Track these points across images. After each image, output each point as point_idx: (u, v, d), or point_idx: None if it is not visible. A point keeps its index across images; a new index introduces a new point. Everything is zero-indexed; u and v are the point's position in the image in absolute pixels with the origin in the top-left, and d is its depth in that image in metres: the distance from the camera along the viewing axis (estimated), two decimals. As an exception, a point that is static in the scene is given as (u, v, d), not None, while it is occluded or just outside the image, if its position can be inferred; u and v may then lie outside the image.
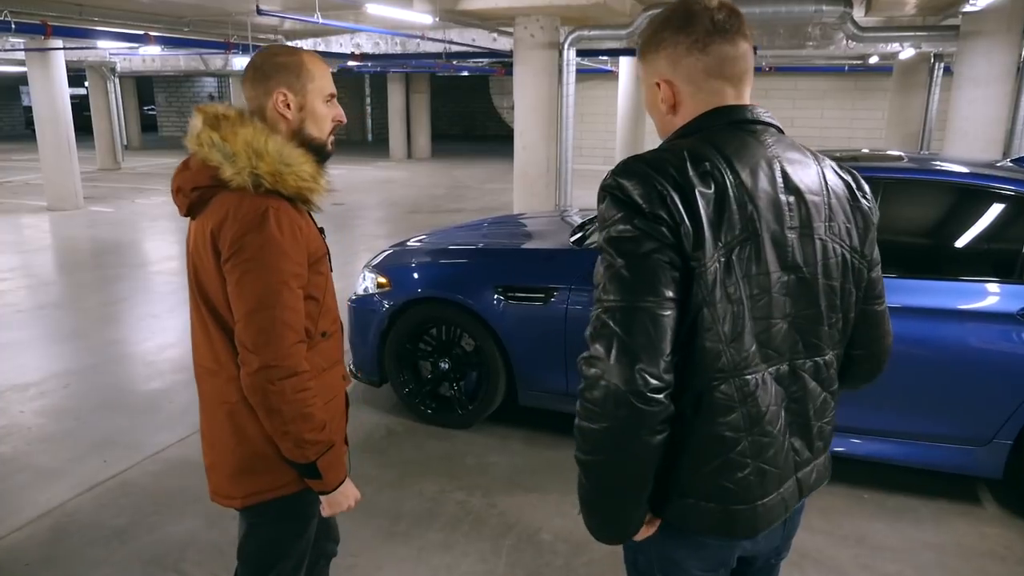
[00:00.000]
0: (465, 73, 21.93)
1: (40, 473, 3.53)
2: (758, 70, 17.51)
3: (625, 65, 14.29)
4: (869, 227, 1.36)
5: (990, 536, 3.07)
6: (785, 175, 1.25)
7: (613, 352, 1.14)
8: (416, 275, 4.09)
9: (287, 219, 1.55)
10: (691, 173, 1.17)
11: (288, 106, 1.64)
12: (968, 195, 3.31)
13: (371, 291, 4.10)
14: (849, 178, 1.37)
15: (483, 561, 2.87)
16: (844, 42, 10.18)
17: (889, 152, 4.02)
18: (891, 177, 3.30)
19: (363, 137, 28.73)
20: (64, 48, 11.23)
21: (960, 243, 3.33)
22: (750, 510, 1.27)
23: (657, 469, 1.24)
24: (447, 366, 3.99)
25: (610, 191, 1.20)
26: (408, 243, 4.54)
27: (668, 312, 1.14)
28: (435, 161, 20.62)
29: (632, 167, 1.19)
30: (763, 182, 1.22)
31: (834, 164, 1.37)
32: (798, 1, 7.47)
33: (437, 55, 13.47)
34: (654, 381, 1.13)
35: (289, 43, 13.63)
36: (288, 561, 1.79)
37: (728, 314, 1.18)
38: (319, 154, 1.69)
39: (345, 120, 1.75)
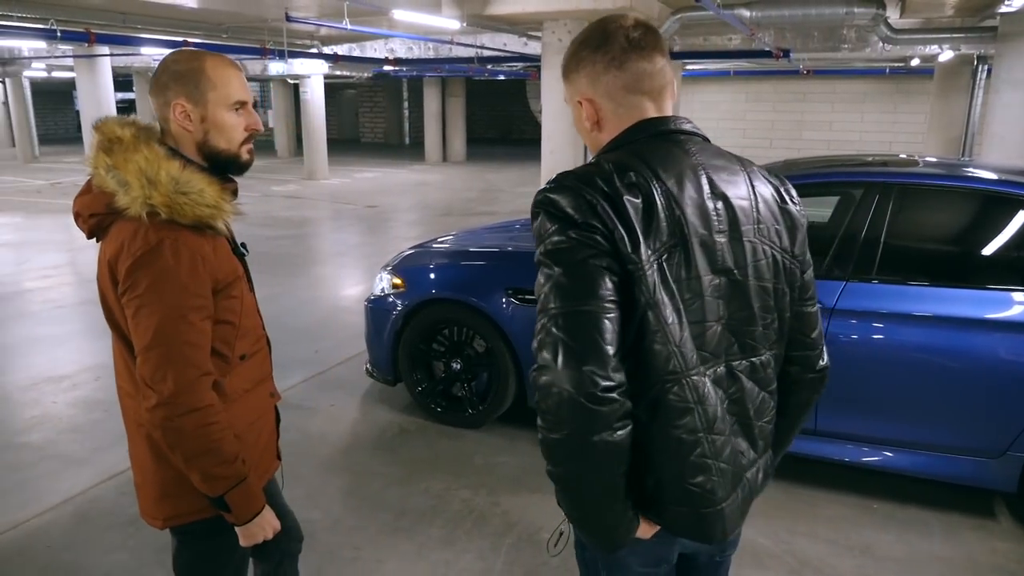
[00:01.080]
0: (501, 77, 22.02)
1: (66, 461, 3.68)
2: (796, 73, 17.34)
3: (659, 69, 14.20)
4: (797, 228, 1.39)
5: (1001, 551, 3.01)
6: (711, 181, 1.29)
7: (560, 358, 1.15)
8: (430, 276, 4.16)
9: (186, 250, 1.47)
10: (618, 184, 1.20)
11: (188, 118, 1.55)
12: (993, 202, 3.24)
13: (387, 291, 4.19)
14: (776, 182, 1.40)
15: (482, 559, 2.92)
16: (879, 44, 10.00)
17: (902, 156, 3.97)
18: (904, 183, 3.27)
19: (400, 141, 29.02)
20: (110, 55, 11.60)
21: (985, 251, 3.27)
22: (717, 513, 1.29)
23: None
24: (459, 367, 4.05)
25: (543, 207, 1.22)
26: (431, 245, 4.61)
27: (610, 314, 1.16)
28: (470, 164, 20.76)
29: (562, 182, 1.22)
30: (689, 189, 1.25)
31: (761, 169, 1.40)
32: (828, 3, 7.38)
33: (469, 59, 13.58)
34: (603, 381, 1.14)
35: (325, 48, 13.85)
36: (224, 571, 1.78)
37: (671, 317, 1.21)
38: (230, 167, 1.62)
39: (261, 128, 1.67)
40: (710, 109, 19.54)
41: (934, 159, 4.18)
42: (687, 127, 1.34)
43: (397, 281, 4.15)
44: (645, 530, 1.31)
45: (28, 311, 6.41)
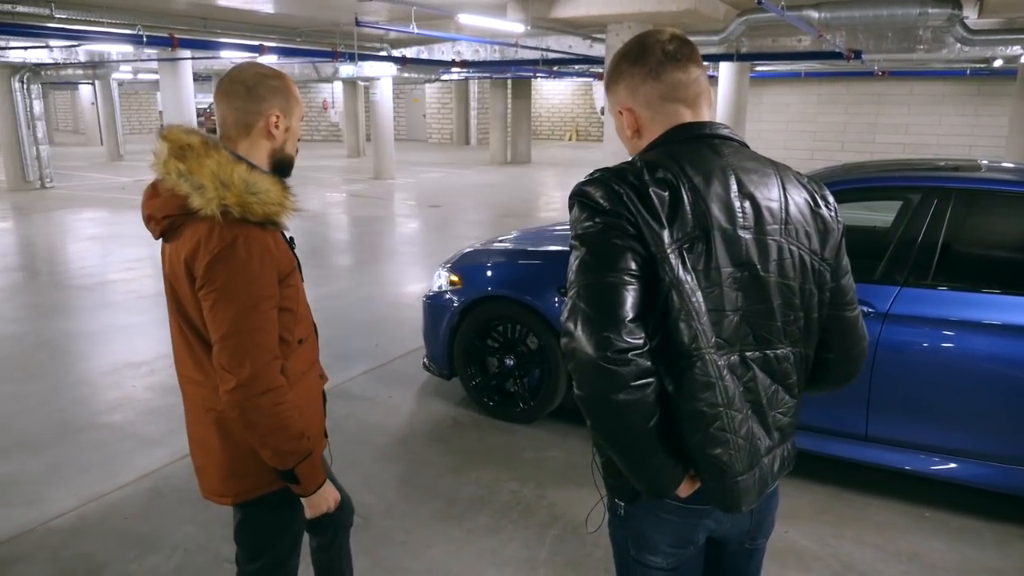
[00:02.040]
0: (567, 80, 22.11)
1: (143, 441, 3.94)
2: (870, 74, 16.84)
3: (724, 70, 14.04)
4: (829, 232, 1.45)
5: (1058, 564, 2.95)
6: (740, 182, 1.36)
7: (579, 324, 1.26)
8: (486, 275, 4.28)
9: (256, 245, 1.62)
10: (647, 177, 1.30)
11: (277, 126, 1.74)
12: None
13: (444, 288, 4.32)
14: (812, 187, 1.46)
15: (527, 547, 3.02)
16: (956, 45, 9.67)
17: (969, 161, 3.88)
18: (964, 188, 3.21)
19: (467, 141, 29.36)
20: (191, 58, 12.15)
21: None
22: (733, 485, 1.36)
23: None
24: (512, 363, 4.15)
25: (577, 198, 1.34)
26: (489, 244, 4.73)
27: (629, 285, 1.25)
28: (534, 166, 20.87)
29: (594, 176, 1.34)
30: (716, 186, 1.33)
31: (797, 174, 1.46)
32: (900, 4, 7.19)
33: (535, 62, 13.70)
34: (619, 343, 1.23)
35: (394, 51, 14.17)
36: (283, 542, 1.93)
37: (693, 298, 1.29)
38: (288, 168, 1.81)
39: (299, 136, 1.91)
40: (779, 111, 19.16)
41: (1007, 164, 4.07)
42: (723, 131, 1.42)
43: (454, 278, 4.28)
44: (685, 487, 1.39)
45: (112, 301, 6.81)
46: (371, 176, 17.27)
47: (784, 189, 1.41)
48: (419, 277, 7.83)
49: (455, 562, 2.93)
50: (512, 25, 8.41)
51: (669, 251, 1.27)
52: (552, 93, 30.57)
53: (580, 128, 30.57)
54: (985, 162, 3.74)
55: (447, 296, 4.27)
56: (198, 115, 16.07)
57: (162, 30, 9.71)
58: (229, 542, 2.96)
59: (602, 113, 11.45)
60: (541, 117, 30.54)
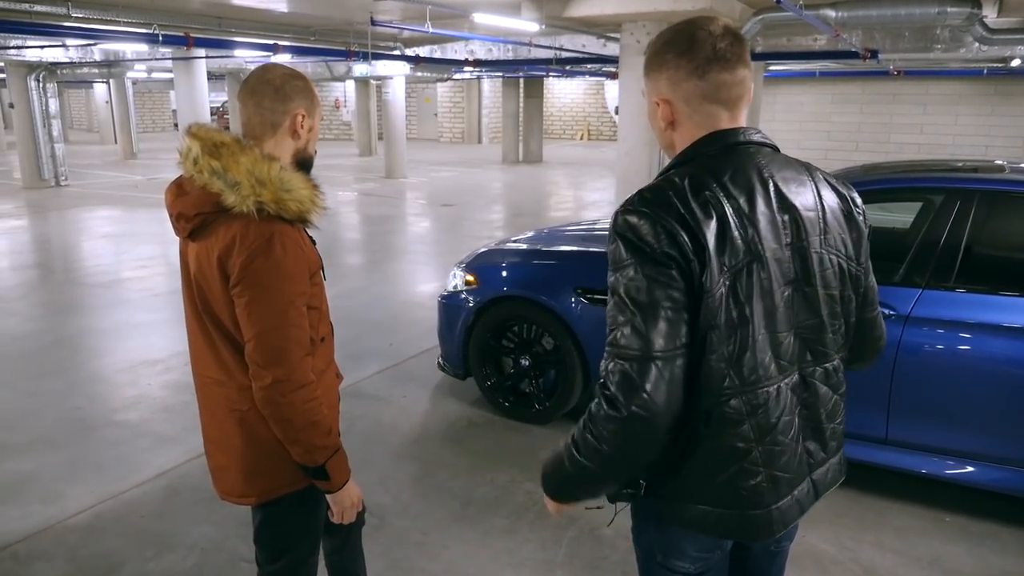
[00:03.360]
0: (579, 79, 22.06)
1: (159, 439, 3.95)
2: (885, 74, 16.71)
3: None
4: (862, 236, 1.45)
5: (1081, 571, 2.91)
6: (780, 194, 1.33)
7: (633, 405, 1.22)
8: (501, 274, 4.26)
9: (291, 243, 1.64)
10: (693, 204, 1.25)
11: (303, 126, 1.76)
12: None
13: (459, 288, 4.31)
14: (843, 190, 1.44)
15: (543, 549, 3.00)
16: (975, 45, 9.57)
17: (999, 163, 3.84)
18: (988, 189, 3.17)
19: (478, 140, 29.36)
20: (206, 57, 12.20)
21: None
22: (766, 514, 1.35)
23: (662, 477, 1.37)
24: (527, 363, 4.14)
25: (620, 233, 1.27)
26: (504, 243, 4.71)
27: (680, 359, 1.23)
28: (546, 165, 20.85)
29: (639, 206, 1.27)
30: (760, 204, 1.30)
31: (828, 177, 1.44)
32: (919, 3, 7.12)
33: (548, 61, 13.68)
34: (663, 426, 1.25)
35: (407, 50, 14.19)
36: (304, 541, 1.93)
37: (733, 336, 1.27)
38: (309, 166, 1.83)
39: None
40: (794, 111, 19.04)
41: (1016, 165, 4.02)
42: (756, 138, 1.38)
43: (470, 278, 4.27)
44: (553, 506, 1.49)
45: (126, 298, 6.85)
46: (383, 175, 17.30)
47: (819, 196, 1.39)
48: (432, 276, 7.83)
49: (471, 564, 2.92)
50: (526, 24, 8.39)
51: (715, 290, 1.23)
52: (564, 92, 30.53)
53: (592, 127, 30.52)
54: (1005, 163, 3.69)
55: (462, 296, 4.26)
56: (212, 114, 16.13)
57: (177, 29, 9.75)
58: (245, 541, 2.98)
59: (616, 113, 11.40)
60: (553, 116, 30.50)
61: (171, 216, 1.72)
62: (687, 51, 1.33)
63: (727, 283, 1.24)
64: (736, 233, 1.26)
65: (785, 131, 18.35)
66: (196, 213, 1.66)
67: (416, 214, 12.51)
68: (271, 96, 1.72)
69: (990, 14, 8.14)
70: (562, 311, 3.87)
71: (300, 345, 1.64)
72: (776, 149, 1.41)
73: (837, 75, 17.78)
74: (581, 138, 30.56)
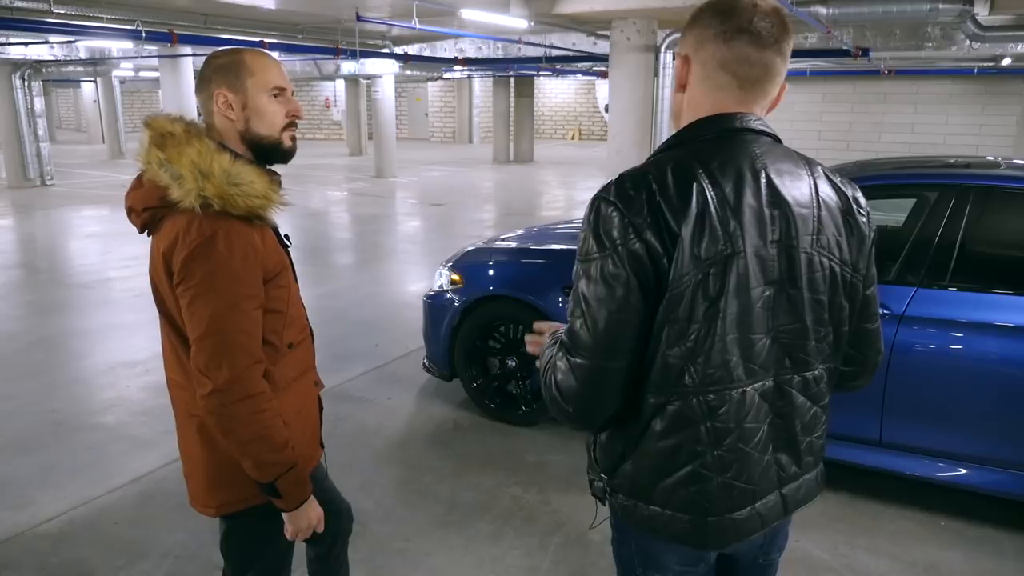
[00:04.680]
0: (570, 78, 22.00)
1: (136, 443, 3.85)
2: (876, 73, 16.69)
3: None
4: (863, 240, 1.33)
5: (1079, 575, 2.84)
6: (771, 187, 1.23)
7: (565, 396, 1.25)
8: (488, 273, 4.18)
9: (239, 241, 1.51)
10: (672, 192, 1.17)
11: (231, 107, 1.59)
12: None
13: (445, 288, 4.22)
14: (847, 190, 1.33)
15: (529, 556, 2.92)
16: (966, 43, 9.54)
17: (989, 159, 3.78)
18: (984, 185, 3.11)
19: (469, 140, 29.28)
20: (192, 55, 12.07)
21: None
22: (717, 522, 1.28)
23: (619, 472, 1.32)
24: (514, 364, 4.05)
25: (591, 222, 1.22)
26: (491, 242, 4.63)
27: (625, 369, 1.22)
28: (537, 164, 20.78)
29: (614, 197, 1.20)
30: (747, 196, 1.21)
31: (832, 174, 1.33)
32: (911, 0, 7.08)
33: (538, 59, 13.60)
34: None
35: (396, 48, 14.09)
36: (271, 555, 1.82)
37: (696, 332, 1.19)
38: (274, 154, 1.65)
39: (302, 115, 1.68)
40: (784, 110, 19.01)
41: (1013, 161, 3.97)
42: (756, 125, 1.28)
43: (456, 277, 4.18)
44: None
45: (110, 299, 6.73)
46: (373, 174, 17.19)
47: (817, 193, 1.28)
48: (420, 276, 7.73)
49: (455, 571, 2.83)
50: (515, 21, 8.31)
51: (683, 282, 1.17)
52: (555, 92, 30.47)
53: (583, 127, 30.46)
54: (999, 159, 3.63)
55: (448, 295, 4.17)
56: (199, 113, 16.00)
57: (162, 26, 9.63)
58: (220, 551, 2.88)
59: (606, 111, 11.35)
60: (543, 116, 30.43)
61: (125, 210, 1.63)
62: (724, 13, 1.24)
63: (698, 276, 1.17)
64: (716, 224, 1.17)
65: (776, 131, 18.36)
66: (144, 208, 1.57)
67: (406, 213, 12.41)
68: (198, 85, 1.63)
69: (982, 11, 8.10)
70: (550, 311, 3.78)
71: (246, 352, 1.50)
72: (777, 139, 1.30)
73: (828, 74, 17.76)
74: (572, 138, 30.50)
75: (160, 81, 12.52)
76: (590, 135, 30.14)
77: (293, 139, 1.68)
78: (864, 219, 1.33)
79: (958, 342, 3.02)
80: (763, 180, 1.23)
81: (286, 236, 1.76)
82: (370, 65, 15.79)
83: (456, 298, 4.11)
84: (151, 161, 1.54)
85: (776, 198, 1.23)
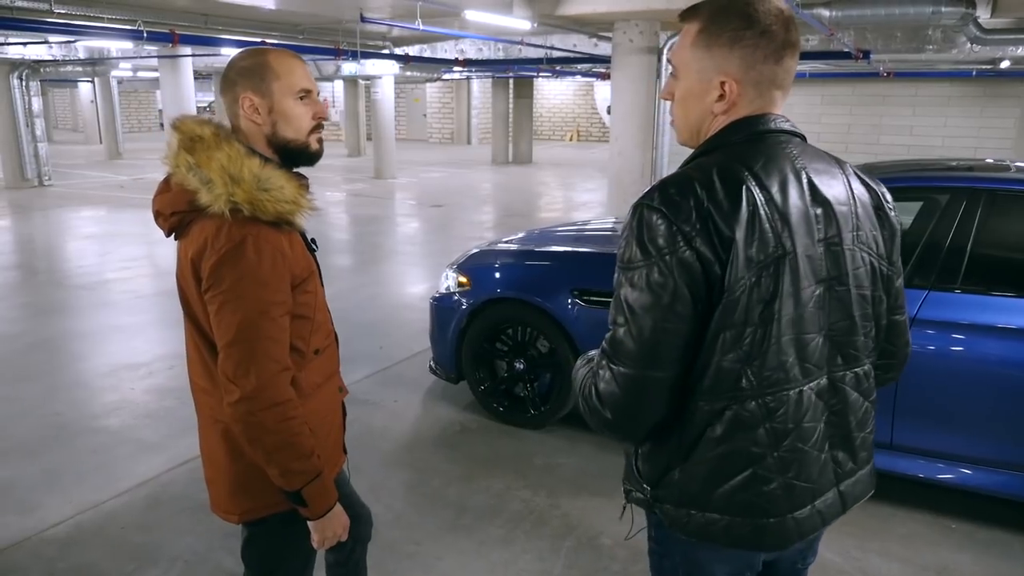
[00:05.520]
0: (569, 79, 21.99)
1: (141, 446, 3.82)
2: (875, 75, 16.72)
3: (731, 70, 13.90)
4: (895, 235, 1.36)
5: (1091, 578, 2.84)
6: (812, 186, 1.24)
7: (607, 404, 1.24)
8: (495, 276, 4.16)
9: (268, 247, 1.49)
10: (721, 196, 1.16)
11: (257, 111, 1.57)
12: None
13: (452, 290, 4.21)
14: (874, 185, 1.36)
15: (541, 560, 2.90)
16: (968, 46, 9.55)
17: (989, 161, 3.77)
18: (995, 188, 3.10)
19: (468, 141, 29.25)
20: (192, 55, 12.04)
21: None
22: (779, 523, 1.27)
23: (665, 482, 1.30)
24: (522, 366, 4.03)
25: (635, 230, 1.19)
26: (497, 244, 4.61)
27: (671, 378, 1.21)
28: (536, 166, 20.77)
29: (659, 204, 1.17)
30: (793, 196, 1.21)
31: (859, 171, 1.35)
32: (913, 2, 7.08)
33: (539, 60, 13.59)
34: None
35: (396, 49, 14.09)
36: (293, 563, 1.80)
37: (751, 335, 1.18)
38: (301, 157, 1.64)
39: (328, 117, 1.65)
40: (784, 111, 19.02)
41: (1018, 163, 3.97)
42: (786, 126, 1.28)
43: (463, 279, 4.16)
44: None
45: (109, 300, 6.70)
46: (372, 175, 17.16)
47: (852, 190, 1.30)
48: (422, 278, 7.72)
49: (467, 575, 2.81)
50: (518, 22, 8.29)
51: (736, 288, 1.15)
52: (553, 93, 30.46)
53: (581, 128, 30.46)
54: (1009, 162, 3.62)
55: (455, 297, 4.15)
56: (199, 113, 15.98)
57: (162, 26, 9.60)
58: (232, 554, 2.86)
59: (608, 113, 11.33)
60: (542, 117, 30.42)
61: (153, 213, 1.61)
62: (768, 32, 1.21)
63: (752, 279, 1.16)
64: (767, 226, 1.17)
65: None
66: (172, 212, 1.56)
67: (405, 215, 12.39)
68: (221, 88, 1.60)
69: (983, 14, 8.11)
70: (558, 313, 3.77)
71: (274, 359, 1.49)
72: (804, 139, 1.31)
73: (827, 76, 17.79)
74: (571, 139, 30.49)
75: (160, 81, 12.48)
76: (588, 136, 30.15)
77: (320, 141, 1.67)
78: (893, 214, 1.37)
79: (970, 345, 3.01)
80: (804, 180, 1.24)
81: (313, 240, 1.74)
82: (370, 66, 15.77)
83: (464, 300, 4.10)
84: (180, 165, 1.52)
85: (818, 197, 1.24)
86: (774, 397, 1.21)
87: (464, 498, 3.34)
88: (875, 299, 1.33)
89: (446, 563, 2.89)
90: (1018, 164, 3.57)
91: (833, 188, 1.27)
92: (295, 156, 1.64)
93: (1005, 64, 13.21)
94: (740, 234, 1.15)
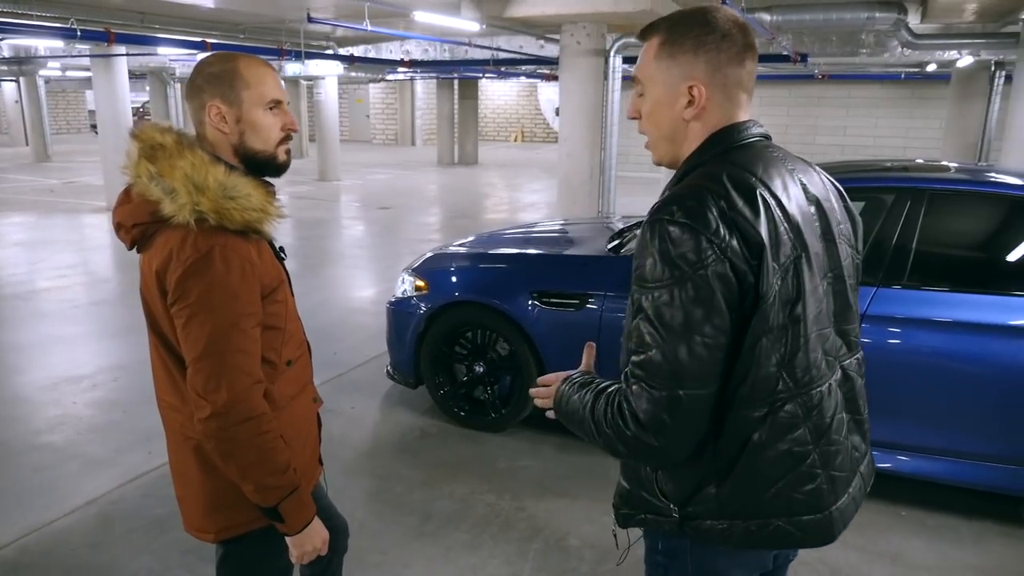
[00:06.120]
0: (513, 80, 22.02)
1: (89, 462, 3.67)
2: (811, 77, 17.23)
3: (673, 72, 14.13)
4: (858, 225, 1.45)
5: (1034, 560, 2.97)
6: (803, 185, 1.30)
7: (655, 432, 1.19)
8: (453, 279, 4.14)
9: (236, 256, 1.45)
10: (741, 204, 1.17)
11: (224, 119, 1.52)
12: (1020, 207, 3.21)
13: (409, 294, 4.16)
14: (839, 185, 1.44)
15: (509, 564, 2.89)
16: (899, 50, 9.93)
17: (939, 163, 3.93)
18: (939, 188, 3.23)
19: (412, 142, 29.06)
20: (126, 55, 11.64)
21: (1011, 257, 3.24)
22: (826, 518, 1.28)
23: (698, 499, 1.28)
24: (482, 370, 4.02)
25: (658, 246, 1.17)
26: (454, 247, 4.59)
27: (715, 393, 1.20)
28: (482, 167, 20.76)
29: (681, 217, 1.16)
30: (796, 197, 1.26)
31: (821, 171, 1.43)
32: (850, 8, 7.32)
33: (485, 62, 13.58)
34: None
35: (341, 49, 13.89)
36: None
37: (785, 337, 1.20)
38: (268, 168, 1.59)
39: (297, 128, 1.63)
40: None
41: (959, 164, 4.14)
42: (761, 131, 1.33)
43: (420, 283, 4.13)
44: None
45: (44, 311, 6.42)
46: (316, 177, 16.89)
47: (828, 187, 1.39)
48: (372, 281, 7.64)
49: (435, 583, 2.79)
50: (467, 24, 8.27)
51: (768, 292, 1.16)
52: (498, 94, 30.51)
53: (525, 129, 30.59)
54: (924, 161, 3.78)
55: (413, 301, 4.11)
56: (132, 114, 15.46)
57: (97, 24, 9.25)
58: (189, 571, 2.77)
59: (557, 114, 11.38)
60: (486, 118, 30.44)
61: (113, 226, 1.54)
62: (729, 35, 1.26)
63: (778, 283, 1.18)
64: (782, 228, 1.20)
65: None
66: (134, 224, 1.49)
67: (352, 217, 12.23)
68: (188, 93, 1.55)
69: (914, 20, 8.45)
70: (518, 316, 3.77)
71: (245, 372, 1.44)
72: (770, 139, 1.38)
73: (765, 78, 18.24)
74: (515, 140, 30.59)
75: (92, 81, 12.01)
76: (533, 137, 30.28)
77: (288, 152, 1.62)
78: (852, 205, 1.45)
79: (915, 338, 3.12)
80: (796, 180, 1.29)
81: (281, 249, 1.69)
82: (314, 67, 15.50)
83: (421, 304, 4.06)
84: (140, 174, 1.47)
85: (810, 195, 1.30)
86: (810, 395, 1.24)
87: (428, 504, 3.31)
88: (855, 287, 1.40)
89: (413, 571, 2.86)
90: (955, 164, 3.73)
91: (817, 187, 1.34)
92: (261, 166, 1.59)
93: (932, 67, 13.79)
94: (766, 239, 1.16)
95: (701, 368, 1.16)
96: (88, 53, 12.03)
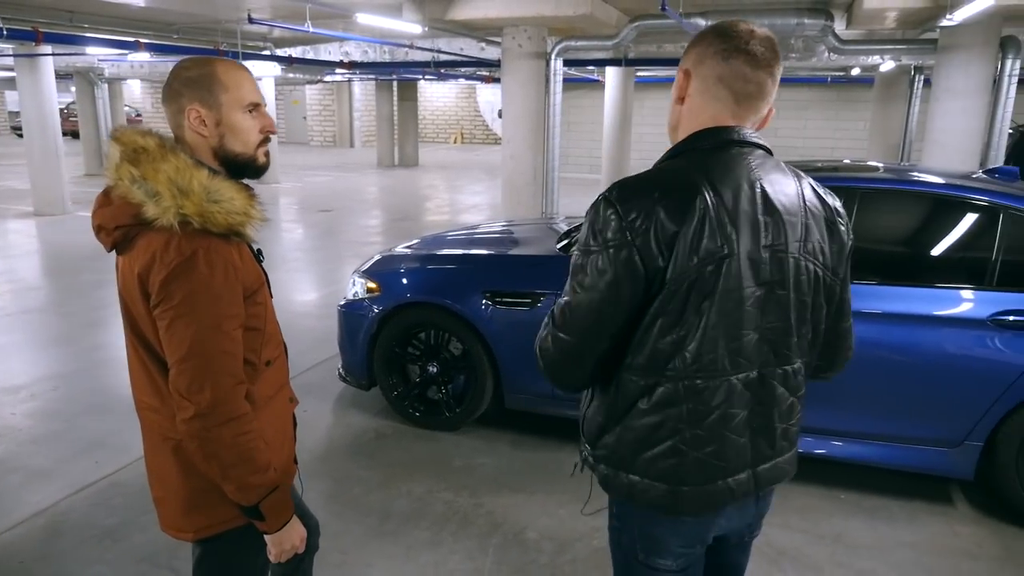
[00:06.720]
0: (452, 82, 22.01)
1: (32, 474, 3.57)
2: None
3: (611, 75, 14.40)
4: (843, 248, 1.47)
5: (963, 535, 3.17)
6: (764, 196, 1.35)
7: (543, 360, 1.45)
8: (405, 280, 4.16)
9: (219, 259, 1.47)
10: (676, 198, 1.29)
11: (204, 123, 1.54)
12: (943, 205, 3.42)
13: (361, 296, 4.17)
14: (831, 201, 1.46)
15: (470, 559, 2.94)
16: (826, 54, 10.35)
17: (868, 163, 4.14)
18: (868, 187, 3.41)
19: (351, 144, 28.75)
20: (52, 54, 11.22)
21: (935, 251, 3.45)
22: (692, 492, 1.40)
23: (601, 443, 1.47)
24: (435, 370, 4.06)
25: (592, 219, 1.34)
26: (405, 249, 4.60)
27: (601, 351, 1.39)
28: (423, 168, 20.70)
29: (615, 199, 1.32)
30: (744, 203, 1.32)
31: (817, 185, 1.46)
32: (781, 14, 7.62)
33: (425, 64, 13.57)
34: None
35: (278, 50, 13.67)
36: (246, 575, 1.77)
37: (686, 324, 1.31)
38: (247, 171, 1.62)
39: (275, 130, 1.66)
40: (660, 115, 19.86)
41: (886, 164, 4.37)
42: (751, 138, 1.39)
43: (372, 285, 4.14)
44: None
45: (-26, 319, 6.16)
46: (254, 180, 16.53)
47: (804, 203, 1.40)
48: (316, 285, 7.57)
49: (397, 580, 2.82)
50: (409, 26, 8.27)
51: (678, 281, 1.29)
52: (437, 95, 30.46)
53: (465, 131, 30.62)
54: (851, 161, 3.99)
55: (365, 304, 4.12)
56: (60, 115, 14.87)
57: (22, 23, 8.90)
58: (149, 580, 2.73)
59: (500, 116, 11.45)
60: (426, 120, 30.35)
61: (93, 228, 1.54)
62: (723, 34, 1.38)
63: (693, 275, 1.29)
64: (715, 227, 1.29)
65: (653, 135, 19.13)
66: (116, 226, 1.49)
67: (292, 220, 12.05)
68: (166, 98, 1.56)
69: (840, 26, 8.82)
70: (471, 315, 3.82)
71: (229, 374, 1.47)
72: (769, 152, 1.42)
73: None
74: (455, 141, 30.59)
75: (16, 81, 11.53)
76: (472, 139, 30.34)
77: (267, 155, 1.65)
78: (844, 228, 1.47)
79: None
80: (758, 190, 1.35)
81: (259, 251, 1.71)
82: (250, 68, 15.19)
83: (374, 306, 4.07)
84: (122, 177, 1.47)
85: (769, 207, 1.35)
86: (701, 381, 1.35)
87: (386, 504, 3.34)
88: (815, 305, 1.43)
89: (376, 570, 2.88)
90: (883, 165, 3.95)
91: (785, 199, 1.37)
92: (241, 169, 1.61)
93: (856, 71, 14.39)
94: (689, 234, 1.28)
95: (595, 328, 1.35)
96: (11, 52, 11.55)
